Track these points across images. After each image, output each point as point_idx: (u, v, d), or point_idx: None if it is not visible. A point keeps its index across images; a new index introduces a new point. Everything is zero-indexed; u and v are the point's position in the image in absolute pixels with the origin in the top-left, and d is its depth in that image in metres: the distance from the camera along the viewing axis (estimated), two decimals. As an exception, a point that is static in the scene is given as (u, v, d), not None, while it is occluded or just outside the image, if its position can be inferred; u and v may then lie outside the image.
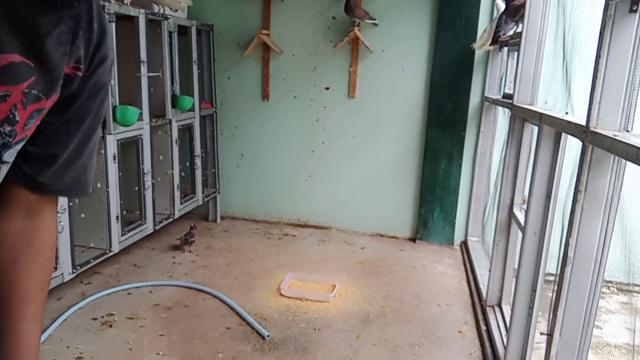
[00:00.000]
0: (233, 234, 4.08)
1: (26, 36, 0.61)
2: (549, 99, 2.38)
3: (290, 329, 2.63)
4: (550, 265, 2.01)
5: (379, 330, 2.66)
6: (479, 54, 3.66)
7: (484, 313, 2.75)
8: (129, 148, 3.15)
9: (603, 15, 1.36)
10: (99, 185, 2.89)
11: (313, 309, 2.85)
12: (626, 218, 1.48)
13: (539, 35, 2.35)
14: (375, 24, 3.80)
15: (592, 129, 1.40)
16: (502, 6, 3.07)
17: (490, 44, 3.22)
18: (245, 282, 3.17)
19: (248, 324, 2.65)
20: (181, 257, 3.53)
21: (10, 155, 0.69)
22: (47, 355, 2.31)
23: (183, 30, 3.64)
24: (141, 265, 3.35)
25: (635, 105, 1.36)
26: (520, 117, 2.46)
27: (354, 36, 3.76)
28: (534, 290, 2.05)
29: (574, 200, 1.49)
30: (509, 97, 2.78)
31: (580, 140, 1.49)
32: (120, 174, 3.00)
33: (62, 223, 2.55)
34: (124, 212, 3.15)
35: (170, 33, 3.41)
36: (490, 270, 2.76)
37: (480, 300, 2.93)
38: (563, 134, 1.85)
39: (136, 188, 3.24)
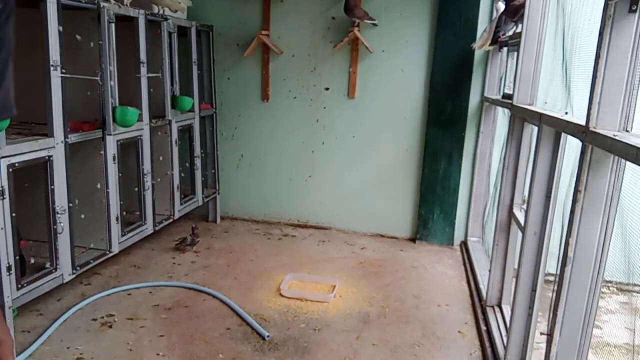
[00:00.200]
0: (233, 234, 4.08)
1: None
2: (548, 99, 2.38)
3: (290, 330, 2.63)
4: (550, 265, 2.01)
5: (379, 331, 2.66)
6: (478, 54, 3.66)
7: (484, 313, 2.75)
8: (129, 149, 3.15)
9: (602, 15, 1.36)
10: (98, 185, 2.89)
11: (313, 309, 2.85)
12: (626, 218, 1.47)
13: (538, 35, 2.35)
14: (374, 24, 3.80)
15: (591, 129, 1.40)
16: (501, 7, 3.07)
17: (490, 44, 3.22)
18: (245, 282, 3.17)
19: (248, 324, 2.65)
20: (181, 257, 3.53)
21: None
22: (47, 355, 2.31)
23: (183, 31, 3.64)
24: (141, 266, 3.35)
25: (635, 105, 1.36)
26: (520, 117, 2.46)
27: (353, 36, 3.76)
28: (534, 290, 2.06)
29: (574, 200, 1.49)
30: (509, 97, 2.78)
31: (580, 140, 1.49)
32: (120, 174, 3.00)
33: (62, 224, 2.55)
34: (124, 213, 3.15)
35: (170, 34, 3.41)
36: (490, 271, 2.76)
37: (480, 300, 2.93)
38: (563, 134, 1.85)
39: (136, 189, 3.23)
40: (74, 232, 2.65)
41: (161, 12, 3.38)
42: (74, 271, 2.70)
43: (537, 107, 2.30)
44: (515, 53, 2.74)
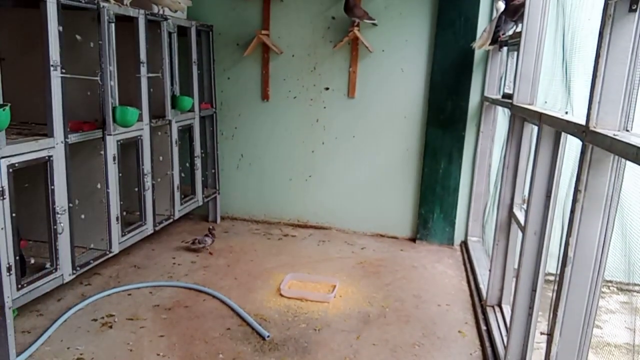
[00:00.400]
0: (233, 234, 4.08)
1: None
2: (548, 99, 2.38)
3: (290, 330, 2.63)
4: (551, 265, 2.01)
5: (379, 331, 2.66)
6: (478, 53, 3.66)
7: (484, 313, 2.75)
8: (129, 149, 3.15)
9: (602, 14, 1.36)
10: (98, 186, 2.89)
11: (313, 309, 2.85)
12: (626, 217, 1.47)
13: (538, 35, 2.35)
14: (374, 24, 3.80)
15: (591, 128, 1.40)
16: (501, 7, 3.07)
17: (490, 44, 3.22)
18: (245, 282, 3.17)
19: (248, 324, 2.65)
20: (181, 257, 3.53)
21: None
22: (47, 356, 2.32)
23: (183, 31, 3.64)
24: (141, 266, 3.35)
25: (635, 104, 1.36)
26: (520, 116, 2.46)
27: (353, 36, 3.76)
28: (534, 290, 2.05)
29: (574, 200, 1.48)
30: (509, 96, 2.78)
31: (580, 139, 1.49)
32: (120, 174, 3.00)
33: (62, 224, 2.55)
34: (124, 213, 3.15)
35: (169, 34, 3.41)
36: (490, 270, 2.76)
37: (480, 300, 2.93)
38: (563, 133, 1.85)
39: (136, 189, 3.24)
40: (74, 232, 2.66)
41: (161, 12, 3.38)
42: (74, 271, 2.70)
43: (537, 107, 2.30)
44: (515, 52, 2.74)
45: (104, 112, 2.80)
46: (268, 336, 2.53)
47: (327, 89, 4.04)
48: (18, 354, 2.26)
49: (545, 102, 2.39)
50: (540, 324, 2.13)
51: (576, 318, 1.53)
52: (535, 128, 2.20)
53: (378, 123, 3.99)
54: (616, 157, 1.39)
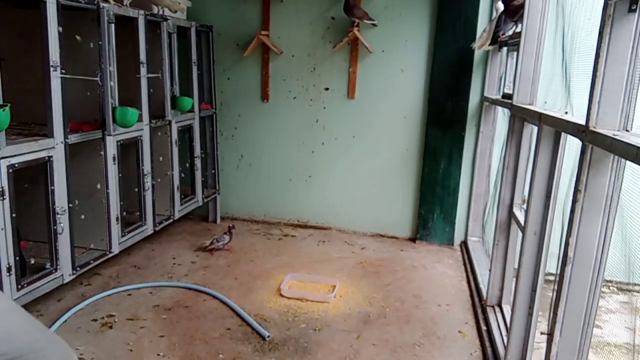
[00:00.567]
0: (233, 234, 4.08)
1: None
2: (548, 99, 2.38)
3: (290, 330, 2.63)
4: (551, 264, 2.01)
5: (380, 331, 2.66)
6: (478, 53, 3.66)
7: (484, 313, 2.75)
8: (129, 149, 3.15)
9: (602, 14, 1.36)
10: (98, 186, 2.89)
11: (313, 309, 2.85)
12: (626, 217, 1.47)
13: (538, 35, 2.35)
14: (374, 25, 3.80)
15: (591, 128, 1.40)
16: (501, 7, 3.07)
17: (490, 44, 3.22)
18: (246, 282, 3.17)
19: (248, 324, 2.65)
20: (181, 258, 3.53)
21: None
22: (47, 356, 2.31)
23: (182, 31, 3.64)
24: (141, 267, 3.35)
25: (635, 104, 1.36)
26: (520, 116, 2.46)
27: (353, 37, 3.76)
28: (534, 290, 2.05)
29: (574, 200, 1.49)
30: (509, 97, 2.78)
31: (580, 139, 1.49)
32: (120, 175, 3.00)
33: (62, 224, 2.55)
34: (124, 213, 3.15)
35: (169, 34, 3.41)
36: (490, 270, 2.76)
37: (480, 300, 2.93)
38: (563, 133, 1.85)
39: (136, 189, 3.24)
40: (74, 233, 2.66)
41: (161, 12, 3.38)
42: (74, 272, 2.70)
43: (537, 107, 2.30)
44: (515, 53, 2.74)
45: (104, 112, 2.80)
46: (268, 336, 2.53)
47: (327, 89, 4.04)
48: (18, 355, 2.26)
49: (545, 102, 2.39)
50: (541, 324, 2.13)
51: (576, 318, 1.53)
52: (535, 128, 2.20)
53: (378, 123, 4.00)
54: (616, 157, 1.39)
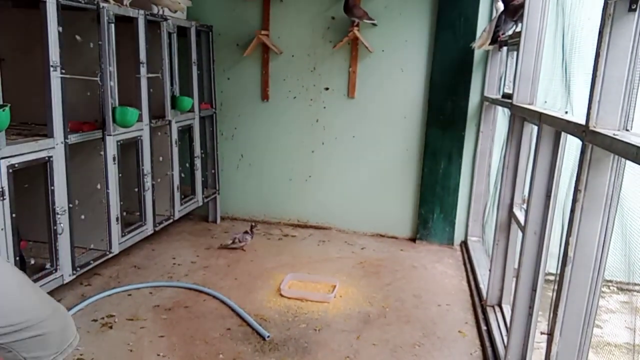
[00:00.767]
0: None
1: None
2: (548, 99, 2.38)
3: (290, 330, 2.63)
4: (551, 264, 2.01)
5: (380, 331, 2.66)
6: (478, 53, 3.66)
7: (484, 313, 2.75)
8: (129, 149, 3.15)
9: (602, 14, 1.36)
10: (98, 186, 2.89)
11: (313, 309, 2.85)
12: (626, 217, 1.47)
13: (538, 35, 2.35)
14: (374, 24, 3.80)
15: (591, 128, 1.40)
16: (501, 6, 3.07)
17: (490, 44, 3.22)
18: (246, 282, 3.17)
19: (248, 324, 2.65)
20: (181, 258, 3.53)
21: None
22: (47, 356, 2.31)
23: (182, 31, 3.64)
24: (141, 267, 3.35)
25: (635, 104, 1.36)
26: (520, 116, 2.46)
27: (353, 36, 3.76)
28: (534, 290, 2.05)
29: (574, 200, 1.48)
30: (509, 96, 2.78)
31: (580, 139, 1.49)
32: (120, 175, 3.00)
33: (62, 225, 2.55)
34: (124, 213, 3.15)
35: (169, 34, 3.41)
36: (490, 270, 2.76)
37: (480, 300, 2.93)
38: (563, 133, 1.85)
39: (136, 189, 3.24)
40: (74, 233, 2.66)
41: (161, 12, 3.38)
42: (74, 272, 2.70)
43: (537, 107, 2.30)
44: (515, 52, 2.74)
45: (104, 112, 2.80)
46: (268, 336, 2.53)
47: (327, 89, 4.04)
48: (18, 355, 2.26)
49: (545, 101, 2.39)
50: (541, 324, 2.13)
51: (576, 318, 1.53)
52: (535, 128, 2.20)
53: (378, 123, 3.99)
54: (616, 156, 1.39)
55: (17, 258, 2.27)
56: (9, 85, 2.25)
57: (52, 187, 2.48)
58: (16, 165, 2.25)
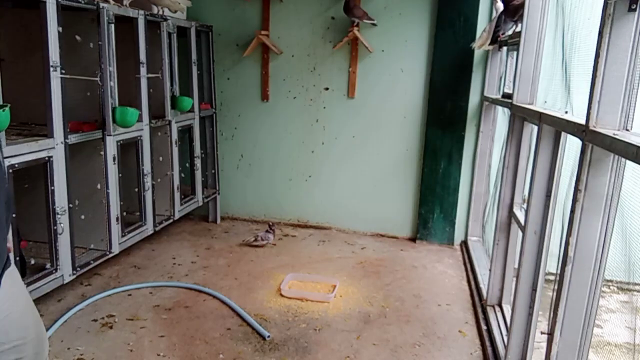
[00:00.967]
0: (233, 234, 4.08)
1: None
2: (548, 98, 2.38)
3: (290, 330, 2.63)
4: (551, 264, 2.01)
5: (380, 330, 2.66)
6: (478, 53, 3.66)
7: (485, 312, 2.75)
8: (129, 149, 3.15)
9: (602, 14, 1.36)
10: (98, 186, 2.89)
11: (313, 309, 2.85)
12: (626, 217, 1.47)
13: (538, 35, 2.35)
14: (374, 24, 3.80)
15: (591, 128, 1.40)
16: (501, 7, 3.07)
17: (490, 44, 3.22)
18: (246, 282, 3.17)
19: (248, 324, 2.65)
20: (181, 258, 3.53)
21: None
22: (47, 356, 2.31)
23: (182, 32, 3.64)
24: (141, 267, 3.35)
25: (635, 103, 1.36)
26: (520, 116, 2.46)
27: (353, 36, 3.76)
28: (534, 290, 2.05)
29: (574, 199, 1.48)
30: (509, 96, 2.78)
31: (580, 139, 1.49)
32: (120, 175, 3.00)
33: (62, 225, 2.55)
34: (124, 214, 3.15)
35: (169, 34, 3.41)
36: (490, 270, 2.76)
37: (480, 299, 2.93)
38: (563, 133, 1.85)
39: (136, 189, 3.24)
40: (74, 233, 2.66)
41: (160, 12, 3.38)
42: (74, 272, 2.70)
43: (537, 107, 2.30)
44: (515, 52, 2.74)
45: (104, 112, 2.80)
46: (268, 336, 2.53)
47: (327, 89, 4.04)
48: (18, 355, 2.26)
49: (545, 101, 2.39)
50: (541, 324, 2.13)
51: (576, 317, 1.53)
52: (535, 128, 2.20)
53: (378, 123, 4.00)
54: (616, 156, 1.39)
55: (17, 258, 2.27)
56: (9, 85, 2.25)
57: (52, 187, 2.48)
58: (16, 165, 2.25)
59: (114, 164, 2.93)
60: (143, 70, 3.13)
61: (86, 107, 2.83)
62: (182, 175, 3.75)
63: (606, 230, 1.45)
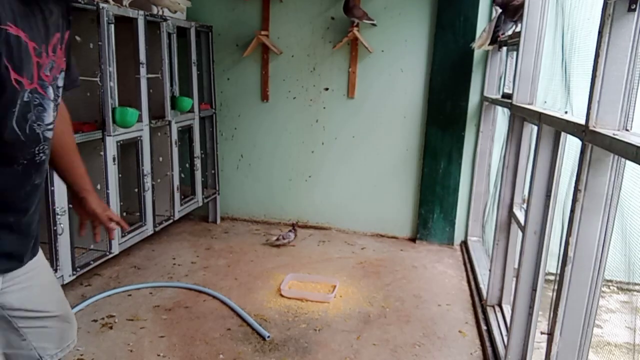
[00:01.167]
0: (233, 235, 4.08)
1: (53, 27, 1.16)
2: (548, 98, 2.38)
3: (290, 330, 2.63)
4: (551, 264, 2.01)
5: (380, 331, 2.66)
6: (478, 53, 3.66)
7: (485, 313, 2.75)
8: (129, 150, 3.15)
9: (602, 14, 1.36)
10: (98, 187, 2.89)
11: (313, 309, 2.85)
12: (626, 217, 1.47)
13: (538, 35, 2.35)
14: (374, 25, 3.80)
15: (591, 128, 1.40)
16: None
17: (490, 44, 3.22)
18: (246, 283, 3.17)
19: (248, 324, 2.65)
20: (181, 258, 3.53)
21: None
22: (47, 357, 2.31)
23: (182, 32, 3.64)
24: (141, 267, 3.35)
25: (635, 103, 1.36)
26: (520, 116, 2.46)
27: (352, 36, 3.76)
28: (534, 290, 2.05)
29: (574, 199, 1.48)
30: (508, 96, 2.78)
31: (580, 139, 1.49)
32: (120, 175, 3.00)
33: (62, 225, 2.55)
34: (124, 214, 3.15)
35: (169, 34, 3.41)
36: (490, 270, 2.76)
37: (480, 299, 2.93)
38: (562, 133, 1.85)
39: (136, 189, 3.24)
40: (74, 233, 2.66)
41: (160, 12, 3.38)
42: (74, 272, 2.70)
43: (537, 107, 2.30)
44: (515, 52, 2.74)
45: (104, 113, 2.80)
46: (268, 336, 2.53)
47: (327, 89, 4.04)
48: (18, 355, 2.26)
49: (545, 101, 2.39)
50: (541, 324, 2.13)
51: (576, 317, 1.53)
52: (535, 128, 2.20)
53: (378, 123, 4.00)
54: (616, 156, 1.39)
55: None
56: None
57: (52, 188, 2.48)
58: (16, 166, 2.25)
59: (114, 164, 2.93)
60: (143, 70, 3.13)
61: (86, 108, 2.83)
62: (182, 175, 3.75)
63: (606, 230, 1.45)
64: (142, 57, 3.11)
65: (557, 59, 2.25)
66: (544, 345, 1.68)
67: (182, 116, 3.65)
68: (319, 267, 3.47)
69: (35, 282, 1.37)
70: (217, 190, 4.28)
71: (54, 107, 1.20)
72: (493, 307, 2.74)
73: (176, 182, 3.62)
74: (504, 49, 3.36)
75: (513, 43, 2.98)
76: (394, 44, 3.85)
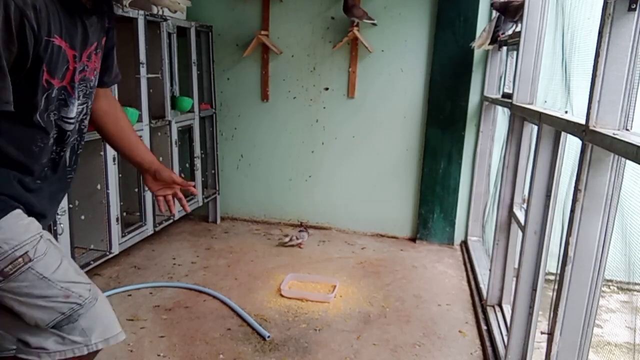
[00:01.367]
0: (233, 235, 4.08)
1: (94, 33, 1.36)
2: (548, 98, 2.38)
3: (290, 330, 2.63)
4: (551, 264, 2.01)
5: (380, 331, 2.66)
6: (478, 53, 3.66)
7: (485, 312, 2.75)
8: (129, 149, 3.15)
9: (602, 13, 1.35)
10: (98, 186, 2.89)
11: (313, 309, 2.85)
12: (626, 217, 1.47)
13: (538, 34, 2.35)
14: (374, 24, 3.80)
15: (591, 127, 1.40)
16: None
17: (490, 43, 3.22)
18: (246, 283, 3.17)
19: (249, 324, 2.65)
20: (181, 258, 3.53)
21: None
22: (47, 357, 2.31)
23: (182, 32, 3.64)
24: (141, 267, 3.35)
25: (635, 103, 1.36)
26: (520, 116, 2.46)
27: (353, 36, 3.76)
28: (534, 290, 2.05)
29: (574, 199, 1.48)
30: (509, 96, 2.78)
31: (580, 139, 1.49)
32: (120, 175, 3.00)
33: (62, 225, 2.55)
34: (124, 214, 3.15)
35: (169, 34, 3.41)
36: (490, 270, 2.76)
37: (480, 299, 2.93)
38: (563, 133, 1.85)
39: (136, 189, 3.24)
40: (74, 233, 2.66)
41: (160, 12, 3.38)
42: (74, 272, 2.69)
43: (537, 106, 2.30)
44: (515, 52, 2.74)
45: (104, 112, 2.80)
46: (268, 336, 2.53)
47: (327, 89, 4.04)
48: (18, 355, 2.26)
49: (545, 101, 2.39)
50: (541, 324, 2.13)
51: (576, 317, 1.53)
52: (535, 127, 2.20)
53: (378, 123, 4.00)
54: (616, 156, 1.39)
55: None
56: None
57: (52, 188, 2.48)
58: (16, 166, 2.25)
59: (114, 164, 2.93)
60: (143, 70, 3.13)
61: (86, 108, 2.82)
62: (182, 175, 3.75)
63: (606, 230, 1.45)
64: (142, 57, 3.11)
65: (557, 59, 2.25)
66: (544, 345, 1.68)
67: (182, 116, 3.65)
68: (319, 267, 3.47)
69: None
70: (217, 190, 4.28)
71: (79, 104, 1.37)
72: (493, 307, 2.74)
73: (176, 182, 3.61)
74: (504, 48, 3.36)
75: (513, 43, 2.98)
76: (394, 44, 3.85)
